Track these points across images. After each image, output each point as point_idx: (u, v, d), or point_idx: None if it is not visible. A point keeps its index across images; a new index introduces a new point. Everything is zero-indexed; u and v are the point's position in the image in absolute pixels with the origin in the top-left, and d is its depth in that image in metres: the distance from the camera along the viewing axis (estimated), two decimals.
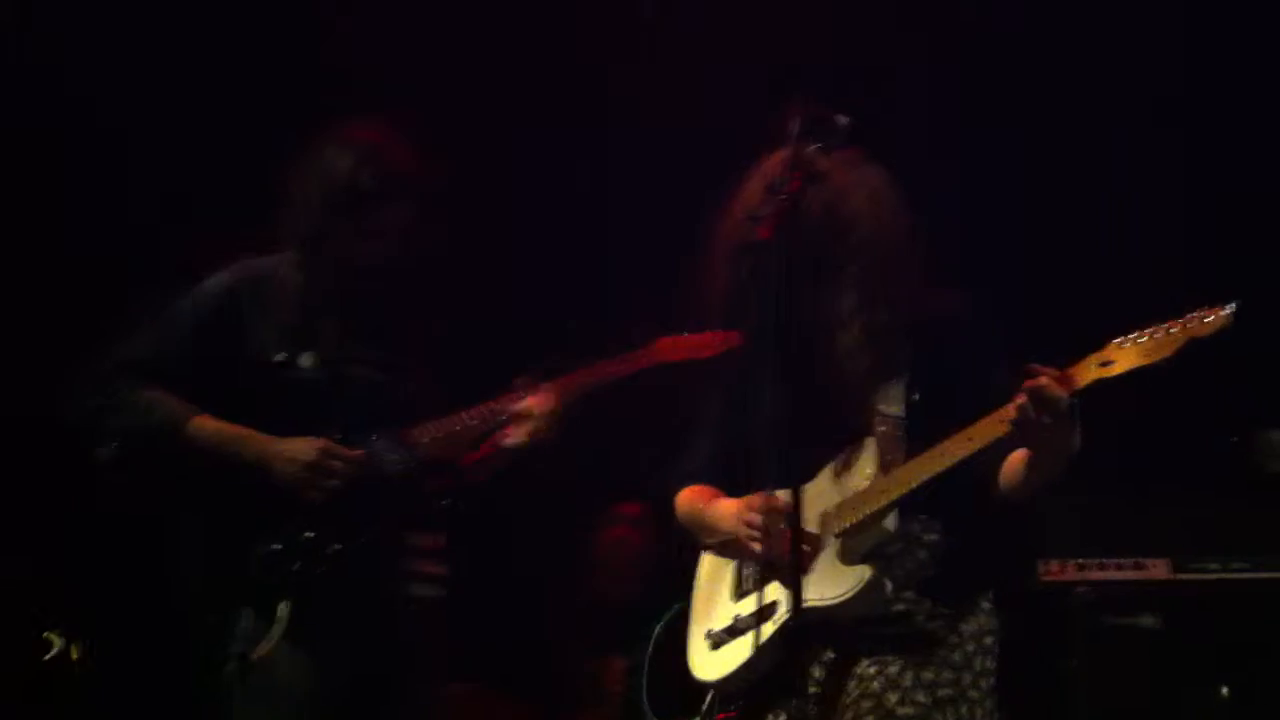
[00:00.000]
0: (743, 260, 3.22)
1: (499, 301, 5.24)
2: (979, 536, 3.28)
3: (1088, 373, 2.94)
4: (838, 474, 3.29)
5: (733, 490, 3.44)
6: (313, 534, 3.69)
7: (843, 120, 3.12)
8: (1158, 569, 4.86)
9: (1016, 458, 3.17)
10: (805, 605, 3.06)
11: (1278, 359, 5.06)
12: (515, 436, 3.87)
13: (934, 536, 3.24)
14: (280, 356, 3.79)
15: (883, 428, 3.26)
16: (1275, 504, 4.90)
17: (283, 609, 3.63)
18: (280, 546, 3.66)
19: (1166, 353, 2.84)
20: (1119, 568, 4.87)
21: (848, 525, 3.21)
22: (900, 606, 3.19)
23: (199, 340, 3.80)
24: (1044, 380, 2.94)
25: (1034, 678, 4.69)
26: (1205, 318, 2.82)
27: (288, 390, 3.79)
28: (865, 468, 3.26)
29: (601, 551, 5.85)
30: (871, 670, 3.17)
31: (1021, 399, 2.96)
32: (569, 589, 5.86)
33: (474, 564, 3.95)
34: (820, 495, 3.27)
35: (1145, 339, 2.88)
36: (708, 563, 3.54)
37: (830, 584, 3.18)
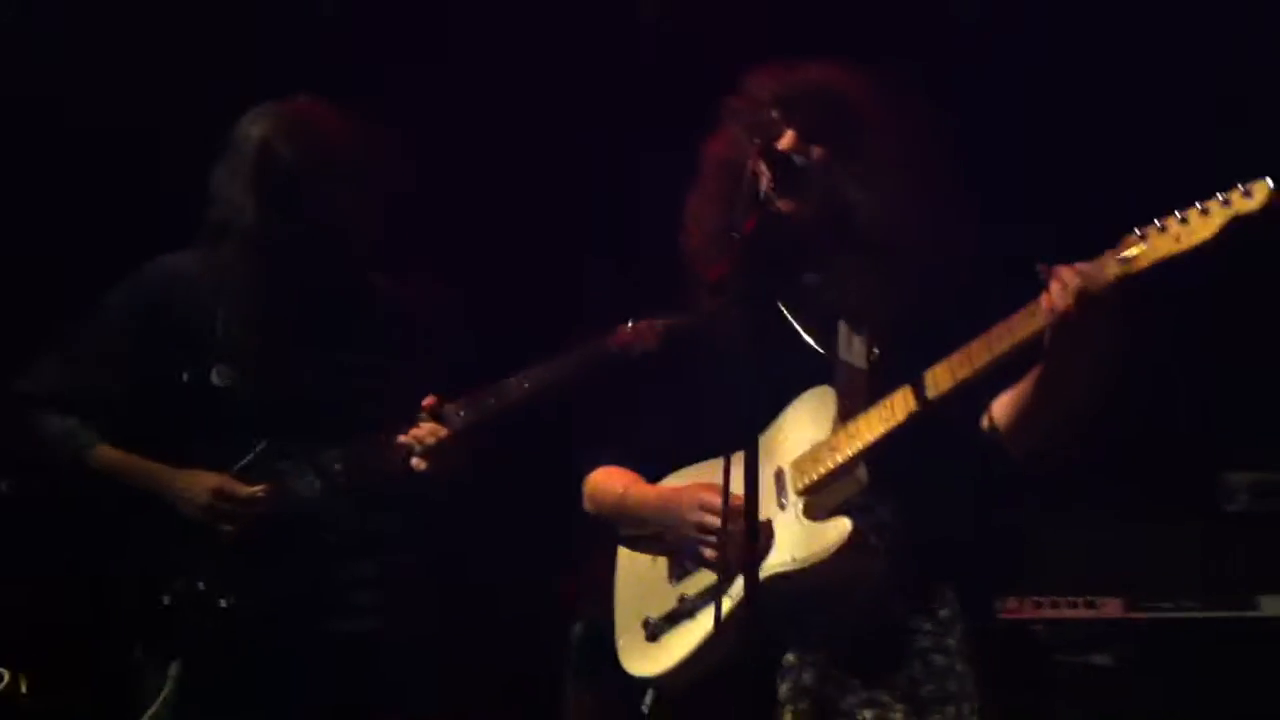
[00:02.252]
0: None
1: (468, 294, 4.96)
2: (958, 527, 3.07)
3: (1108, 268, 2.61)
4: (794, 423, 3.07)
5: (660, 473, 3.23)
6: (204, 585, 3.45)
7: (800, 160, 3.08)
8: (1111, 607, 4.86)
9: (1017, 394, 2.91)
10: (774, 572, 2.86)
11: (1239, 401, 5.09)
12: (418, 467, 3.60)
13: (898, 524, 3.01)
14: (186, 376, 3.52)
15: (844, 378, 3.07)
16: (1230, 544, 4.91)
17: (173, 669, 3.41)
18: (169, 600, 3.44)
19: (1205, 235, 2.50)
20: (1073, 605, 4.87)
21: (811, 481, 2.97)
22: (874, 606, 2.95)
23: (110, 360, 3.56)
24: (1072, 267, 2.64)
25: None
26: (1245, 192, 2.48)
27: (203, 410, 3.53)
28: (824, 417, 3.02)
29: (592, 582, 5.75)
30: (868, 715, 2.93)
31: (1050, 291, 2.65)
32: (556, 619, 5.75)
33: (458, 593, 3.80)
34: (775, 449, 3.05)
35: (1172, 224, 2.55)
36: (626, 553, 3.29)
37: (801, 544, 2.91)
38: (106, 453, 3.54)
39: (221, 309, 3.54)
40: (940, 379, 2.86)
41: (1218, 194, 2.52)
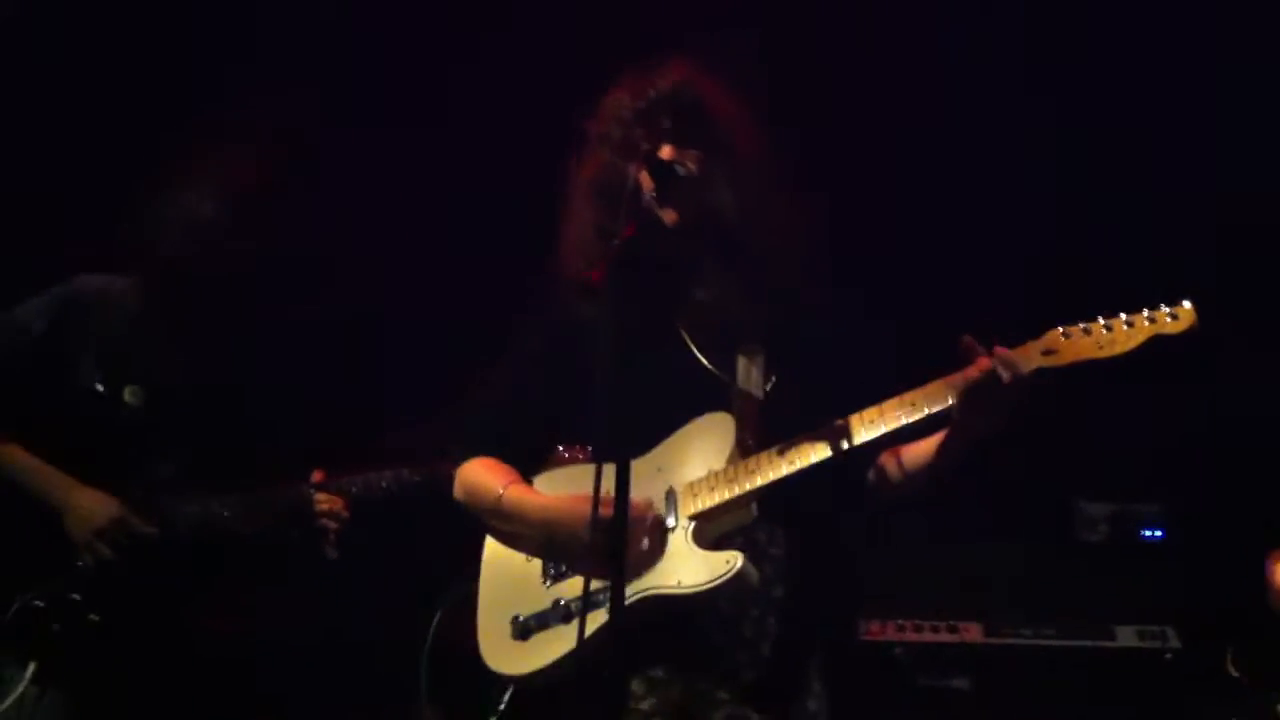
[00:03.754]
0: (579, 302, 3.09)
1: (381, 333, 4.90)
2: (832, 554, 3.13)
3: (1032, 358, 2.80)
4: (691, 446, 3.05)
5: (523, 460, 3.21)
6: (78, 597, 3.48)
7: (682, 170, 3.05)
8: (971, 632, 4.93)
9: (907, 450, 3.03)
10: (662, 591, 2.87)
11: (1099, 433, 5.18)
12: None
13: (778, 551, 3.03)
14: (99, 387, 3.58)
15: (740, 405, 3.06)
16: (1088, 574, 5.00)
17: (30, 669, 3.41)
18: (42, 603, 3.45)
19: (1127, 347, 2.72)
20: (934, 629, 4.93)
21: (704, 508, 2.97)
22: (749, 630, 2.97)
23: (20, 363, 3.58)
24: (1013, 351, 2.80)
25: None
26: (1171, 314, 2.70)
27: (105, 424, 3.58)
28: (722, 446, 3.02)
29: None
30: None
31: (986, 364, 2.79)
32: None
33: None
34: (670, 468, 3.03)
35: (1097, 330, 2.75)
36: (494, 547, 3.22)
37: (690, 570, 2.90)
38: (8, 449, 3.54)
39: (147, 338, 3.63)
40: (854, 431, 2.90)
41: (1144, 310, 2.71)
